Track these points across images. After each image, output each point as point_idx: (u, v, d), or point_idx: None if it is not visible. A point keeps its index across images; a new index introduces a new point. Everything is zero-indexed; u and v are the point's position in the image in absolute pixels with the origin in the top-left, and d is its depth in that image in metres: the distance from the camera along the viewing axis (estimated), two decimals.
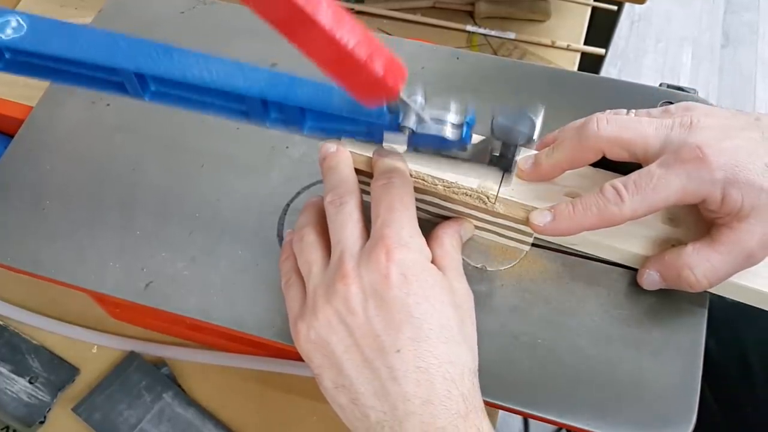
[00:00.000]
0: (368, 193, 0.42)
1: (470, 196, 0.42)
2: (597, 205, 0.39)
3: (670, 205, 0.38)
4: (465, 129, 0.39)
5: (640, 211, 0.38)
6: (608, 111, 0.42)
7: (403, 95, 0.36)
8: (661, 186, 0.37)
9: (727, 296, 0.42)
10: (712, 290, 0.41)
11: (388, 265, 0.36)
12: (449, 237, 0.42)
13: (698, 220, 0.41)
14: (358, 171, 0.42)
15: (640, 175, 0.38)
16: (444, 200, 0.43)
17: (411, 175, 0.42)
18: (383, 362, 0.36)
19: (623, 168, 0.41)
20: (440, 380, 0.35)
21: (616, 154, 0.40)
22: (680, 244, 0.40)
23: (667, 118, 0.40)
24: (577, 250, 0.44)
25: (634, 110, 0.42)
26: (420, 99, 0.37)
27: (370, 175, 0.42)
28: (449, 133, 0.38)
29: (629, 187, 0.38)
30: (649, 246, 0.42)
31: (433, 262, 0.40)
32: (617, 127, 0.39)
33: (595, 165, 0.42)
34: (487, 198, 0.42)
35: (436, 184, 0.43)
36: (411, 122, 0.38)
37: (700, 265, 0.39)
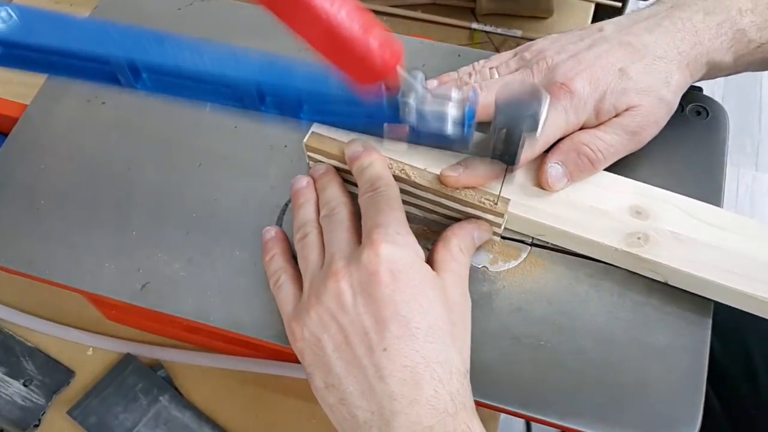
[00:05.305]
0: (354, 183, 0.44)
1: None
2: None
3: (559, 137, 0.43)
4: (466, 124, 0.38)
5: (537, 147, 0.42)
6: (450, 74, 0.47)
7: (401, 74, 0.35)
8: (549, 122, 0.41)
9: (731, 304, 0.41)
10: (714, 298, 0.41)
11: (376, 261, 0.37)
12: (458, 239, 0.42)
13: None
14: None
15: None
16: (416, 188, 0.43)
17: None
18: (370, 360, 0.36)
19: None
20: (427, 379, 0.35)
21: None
22: (645, 238, 0.42)
23: (526, 68, 0.45)
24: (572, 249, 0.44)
25: (483, 61, 0.47)
26: (420, 87, 0.36)
27: (343, 161, 0.44)
28: (450, 128, 0.37)
29: None
30: (614, 236, 0.42)
31: (434, 261, 0.40)
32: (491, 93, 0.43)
33: None
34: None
35: (408, 174, 0.43)
36: (411, 111, 0.37)
37: (593, 142, 0.43)
